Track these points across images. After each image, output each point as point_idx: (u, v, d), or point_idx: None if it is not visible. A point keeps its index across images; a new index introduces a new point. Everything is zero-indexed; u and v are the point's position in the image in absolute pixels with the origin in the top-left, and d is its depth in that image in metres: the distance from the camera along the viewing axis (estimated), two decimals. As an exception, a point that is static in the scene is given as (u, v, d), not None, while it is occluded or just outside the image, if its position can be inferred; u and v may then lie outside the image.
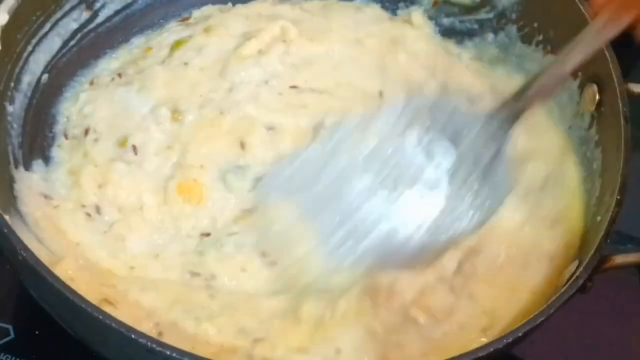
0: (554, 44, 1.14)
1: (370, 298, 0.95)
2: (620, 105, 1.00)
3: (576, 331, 1.10)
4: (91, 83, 1.18)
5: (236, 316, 0.96)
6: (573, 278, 0.90)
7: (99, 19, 1.21)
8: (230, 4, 1.27)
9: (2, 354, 1.04)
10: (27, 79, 1.11)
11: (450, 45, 1.25)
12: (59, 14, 1.15)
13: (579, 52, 0.95)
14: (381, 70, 1.18)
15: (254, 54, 1.16)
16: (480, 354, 0.83)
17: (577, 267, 0.92)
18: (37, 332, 1.05)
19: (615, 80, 1.02)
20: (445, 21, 1.26)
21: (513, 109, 0.99)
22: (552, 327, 0.91)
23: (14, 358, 1.04)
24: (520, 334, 0.86)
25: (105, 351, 0.91)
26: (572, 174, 1.07)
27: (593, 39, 0.95)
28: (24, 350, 1.05)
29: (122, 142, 1.09)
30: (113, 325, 0.80)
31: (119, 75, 1.18)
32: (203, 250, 1.03)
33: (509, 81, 1.18)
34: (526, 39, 1.18)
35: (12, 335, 1.06)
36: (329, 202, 1.03)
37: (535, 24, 1.16)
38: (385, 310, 0.95)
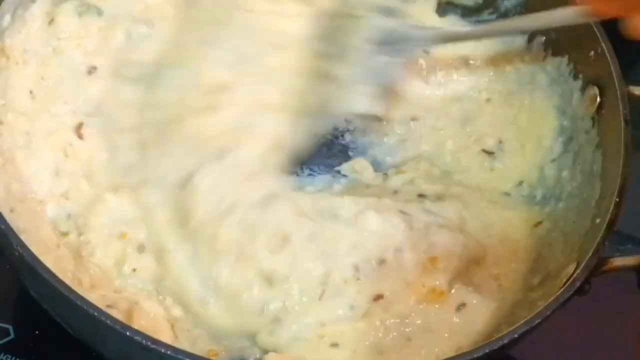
0: (556, 46, 1.13)
1: None
2: (621, 107, 1.00)
3: (574, 332, 1.10)
4: None
5: None
6: (570, 280, 0.90)
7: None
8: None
9: (2, 354, 1.04)
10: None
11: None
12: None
13: (549, 19, 1.04)
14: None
15: None
16: (475, 355, 0.83)
17: (575, 269, 0.91)
18: (37, 332, 1.06)
19: (616, 82, 1.01)
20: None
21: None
22: (551, 328, 0.91)
23: (14, 358, 1.04)
24: (516, 336, 0.85)
25: (102, 348, 0.91)
26: None
27: (569, 16, 0.99)
28: (24, 350, 1.05)
29: None
30: (108, 322, 0.80)
31: None
32: None
33: None
34: (528, 41, 1.17)
35: (12, 335, 1.06)
36: None
37: (538, 26, 1.16)
38: None
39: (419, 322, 0.97)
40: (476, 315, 0.99)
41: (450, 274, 1.00)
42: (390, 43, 1.06)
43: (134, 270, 0.99)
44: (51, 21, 1.09)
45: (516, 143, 1.15)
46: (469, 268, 1.02)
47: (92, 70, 1.10)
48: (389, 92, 1.08)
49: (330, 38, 1.07)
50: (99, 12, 1.11)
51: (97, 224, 1.01)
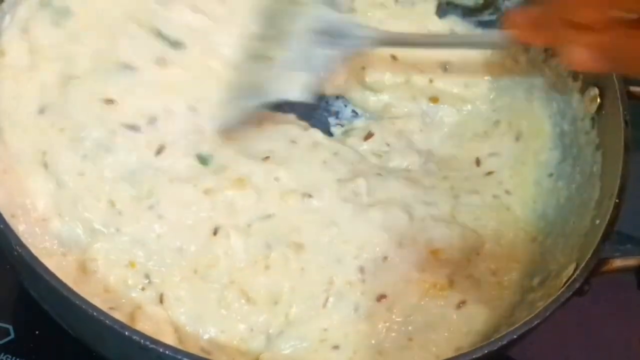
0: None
1: None
2: (621, 107, 1.00)
3: (574, 332, 1.11)
4: None
5: None
6: (570, 281, 0.90)
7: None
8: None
9: (2, 354, 1.04)
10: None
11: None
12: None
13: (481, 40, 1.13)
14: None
15: None
16: (474, 356, 0.83)
17: (575, 270, 0.91)
18: (37, 332, 1.06)
19: (616, 83, 1.01)
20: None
21: None
22: (551, 328, 0.91)
23: (14, 358, 1.05)
24: (515, 336, 0.85)
25: (102, 348, 0.91)
26: None
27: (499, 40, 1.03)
28: (24, 350, 1.05)
29: None
30: (107, 322, 0.80)
31: None
32: None
33: None
34: (528, 42, 1.17)
35: (12, 335, 1.06)
36: None
37: (538, 27, 1.15)
38: None
39: (420, 319, 0.98)
40: (476, 314, 0.99)
41: (452, 267, 1.01)
42: (329, 35, 1.05)
43: (143, 289, 0.97)
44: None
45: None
46: (470, 259, 1.03)
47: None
48: (320, 83, 1.07)
49: (271, 21, 1.08)
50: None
51: (102, 250, 0.98)
